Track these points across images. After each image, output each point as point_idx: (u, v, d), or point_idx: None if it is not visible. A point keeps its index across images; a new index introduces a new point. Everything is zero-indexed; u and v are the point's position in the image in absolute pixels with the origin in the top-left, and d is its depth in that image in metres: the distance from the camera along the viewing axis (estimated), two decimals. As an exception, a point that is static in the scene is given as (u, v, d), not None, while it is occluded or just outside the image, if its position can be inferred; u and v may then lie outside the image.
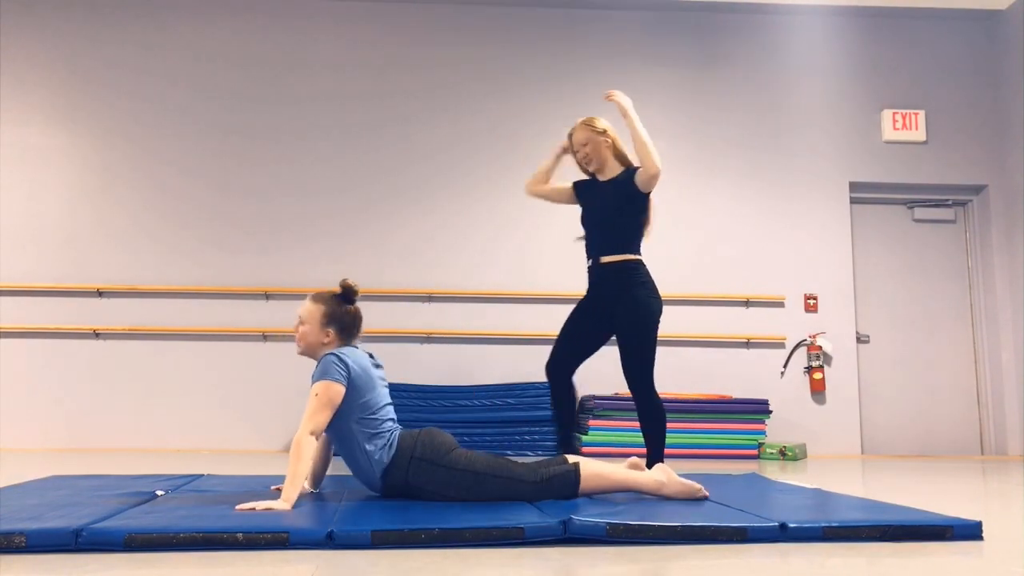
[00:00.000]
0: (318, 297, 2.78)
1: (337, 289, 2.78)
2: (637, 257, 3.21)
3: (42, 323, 5.54)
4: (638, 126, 3.13)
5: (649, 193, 3.20)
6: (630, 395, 3.21)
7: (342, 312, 2.75)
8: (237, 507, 2.33)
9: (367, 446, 2.63)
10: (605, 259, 3.20)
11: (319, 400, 2.56)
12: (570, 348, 3.25)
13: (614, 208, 3.20)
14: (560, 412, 3.33)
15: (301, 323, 2.76)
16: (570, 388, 3.30)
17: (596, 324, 3.22)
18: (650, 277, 3.21)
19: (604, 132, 3.26)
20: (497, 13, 6.15)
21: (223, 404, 5.55)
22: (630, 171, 3.22)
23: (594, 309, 3.23)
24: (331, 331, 2.74)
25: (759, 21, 6.25)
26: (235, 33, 6.00)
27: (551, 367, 3.26)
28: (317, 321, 2.74)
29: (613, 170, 3.28)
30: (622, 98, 3.20)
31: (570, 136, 3.33)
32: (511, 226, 5.86)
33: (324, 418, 2.56)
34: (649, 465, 2.92)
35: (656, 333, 3.17)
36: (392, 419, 2.73)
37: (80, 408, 5.48)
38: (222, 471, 3.77)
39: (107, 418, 5.48)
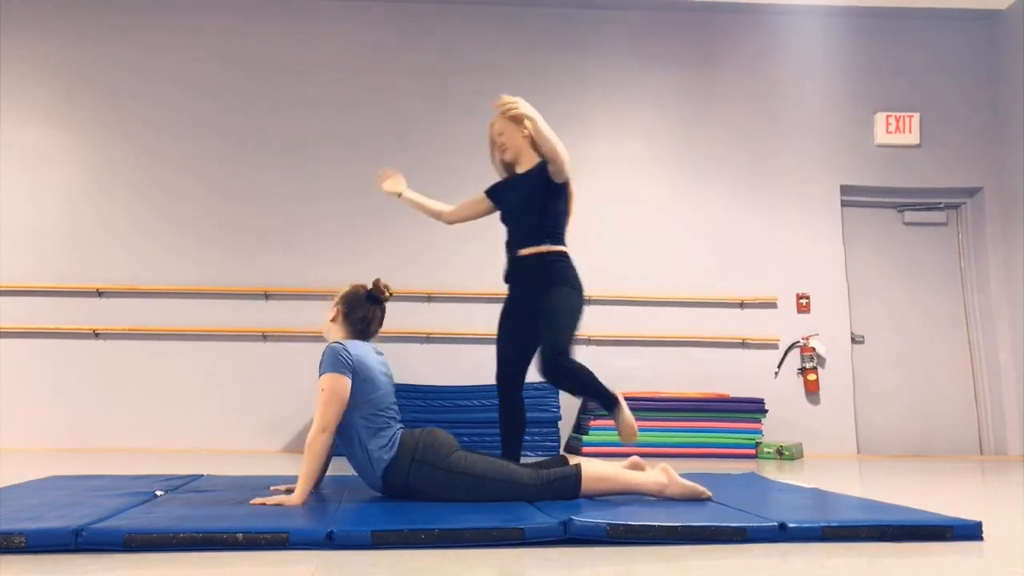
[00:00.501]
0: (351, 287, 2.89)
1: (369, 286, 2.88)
2: (559, 248, 3.11)
3: (42, 323, 5.54)
4: (540, 122, 3.04)
5: (565, 184, 3.13)
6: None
7: (356, 303, 2.82)
8: (252, 501, 2.41)
9: (368, 444, 2.63)
10: (522, 252, 3.12)
11: (325, 395, 2.59)
12: (511, 354, 3.16)
13: (530, 198, 3.14)
14: (509, 429, 3.14)
15: None
16: (520, 407, 3.16)
17: (525, 320, 3.09)
18: (573, 269, 3.10)
19: (521, 122, 3.22)
20: (498, 13, 6.15)
21: (223, 404, 5.55)
22: (544, 162, 3.15)
23: (518, 307, 3.15)
24: (338, 314, 2.81)
25: (754, 21, 6.24)
26: (236, 33, 6.00)
27: (500, 378, 3.16)
28: (333, 303, 2.86)
29: (529, 161, 3.24)
30: (516, 101, 3.04)
31: (491, 126, 3.33)
32: (511, 226, 5.85)
33: (334, 412, 2.58)
34: (608, 409, 2.91)
35: (575, 327, 3.01)
36: (396, 418, 2.73)
37: (80, 408, 5.48)
38: (222, 471, 3.78)
39: (107, 418, 5.48)
